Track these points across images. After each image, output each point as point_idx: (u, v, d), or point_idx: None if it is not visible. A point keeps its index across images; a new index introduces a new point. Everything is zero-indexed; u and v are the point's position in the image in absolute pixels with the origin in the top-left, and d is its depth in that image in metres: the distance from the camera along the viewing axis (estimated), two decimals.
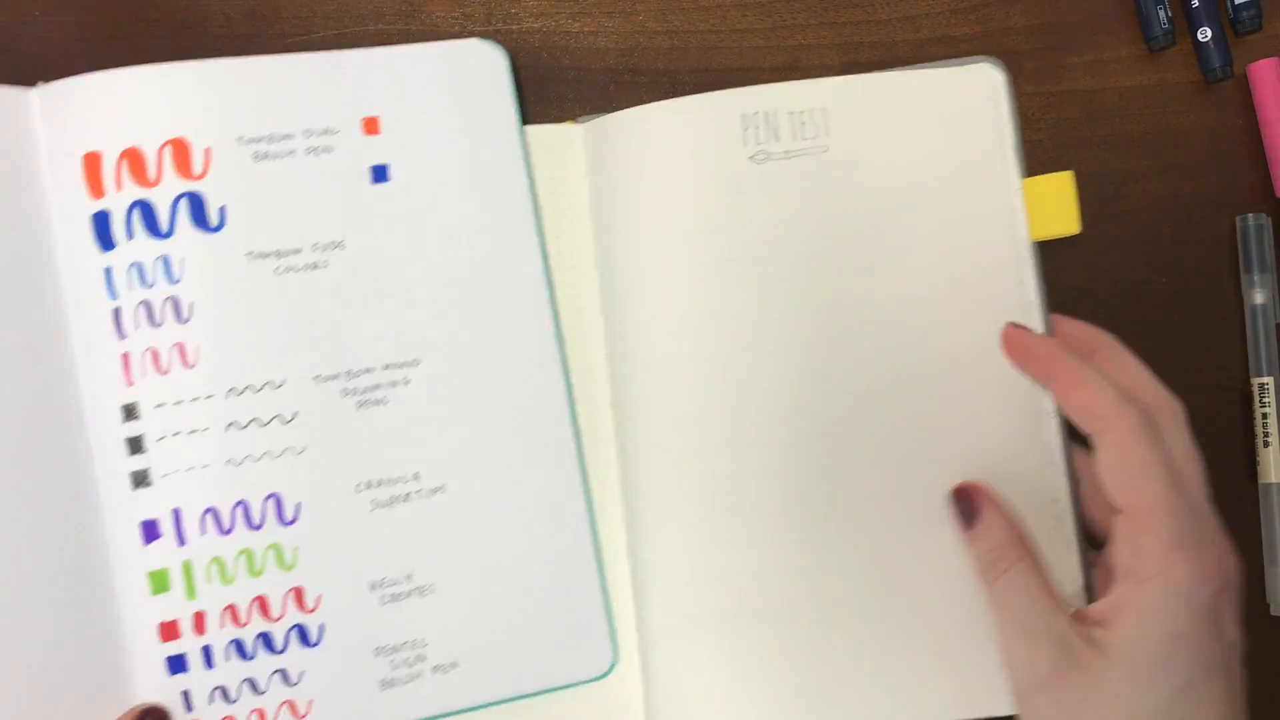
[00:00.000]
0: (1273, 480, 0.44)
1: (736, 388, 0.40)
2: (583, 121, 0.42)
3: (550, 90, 0.44)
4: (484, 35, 0.43)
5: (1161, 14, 0.45)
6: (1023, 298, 0.40)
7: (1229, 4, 0.45)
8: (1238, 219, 0.45)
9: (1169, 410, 0.37)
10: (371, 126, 0.40)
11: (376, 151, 0.40)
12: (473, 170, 0.41)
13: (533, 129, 0.42)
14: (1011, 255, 0.40)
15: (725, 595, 0.39)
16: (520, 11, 0.45)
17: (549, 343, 0.41)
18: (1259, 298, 0.44)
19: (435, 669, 0.39)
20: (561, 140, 0.42)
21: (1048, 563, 0.37)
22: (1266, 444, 0.44)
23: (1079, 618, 0.35)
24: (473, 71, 0.41)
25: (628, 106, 0.42)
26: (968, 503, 0.38)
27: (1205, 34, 0.45)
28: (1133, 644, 0.33)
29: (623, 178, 0.41)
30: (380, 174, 0.40)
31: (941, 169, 0.41)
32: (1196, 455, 0.36)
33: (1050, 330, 0.40)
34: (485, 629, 0.40)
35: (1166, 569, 0.34)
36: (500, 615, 0.40)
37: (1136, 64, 0.46)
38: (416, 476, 0.39)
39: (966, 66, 0.42)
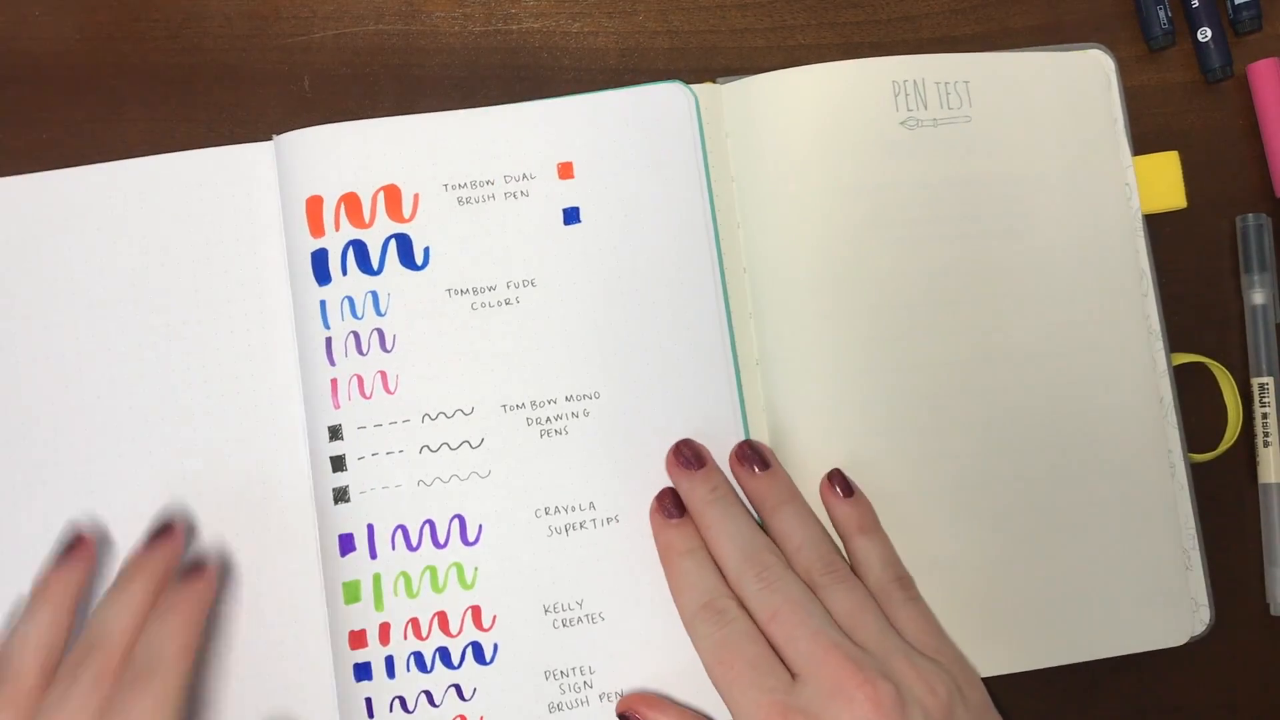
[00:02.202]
0: (1273, 480, 0.44)
1: (879, 342, 0.42)
2: (722, 82, 0.44)
3: (550, 90, 0.44)
4: (484, 35, 0.45)
5: (1161, 14, 0.45)
6: (1138, 265, 0.44)
7: (1229, 4, 0.46)
8: (1238, 219, 0.45)
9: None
10: (566, 171, 0.43)
11: (569, 195, 0.42)
12: (659, 211, 0.42)
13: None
14: (1129, 227, 0.44)
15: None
16: (520, 11, 0.45)
17: (727, 380, 0.42)
18: (1259, 298, 0.44)
19: (602, 696, 0.40)
20: (709, 98, 0.43)
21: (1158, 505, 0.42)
22: (1266, 444, 0.44)
23: None
24: (662, 114, 0.43)
25: None
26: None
27: (1205, 34, 0.45)
28: None
29: (771, 137, 0.43)
30: (572, 216, 0.42)
31: (1065, 144, 0.44)
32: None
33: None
34: (651, 662, 0.40)
35: None
36: (665, 650, 0.40)
37: (1136, 64, 0.46)
38: (592, 505, 0.41)
39: (1082, 51, 0.44)
